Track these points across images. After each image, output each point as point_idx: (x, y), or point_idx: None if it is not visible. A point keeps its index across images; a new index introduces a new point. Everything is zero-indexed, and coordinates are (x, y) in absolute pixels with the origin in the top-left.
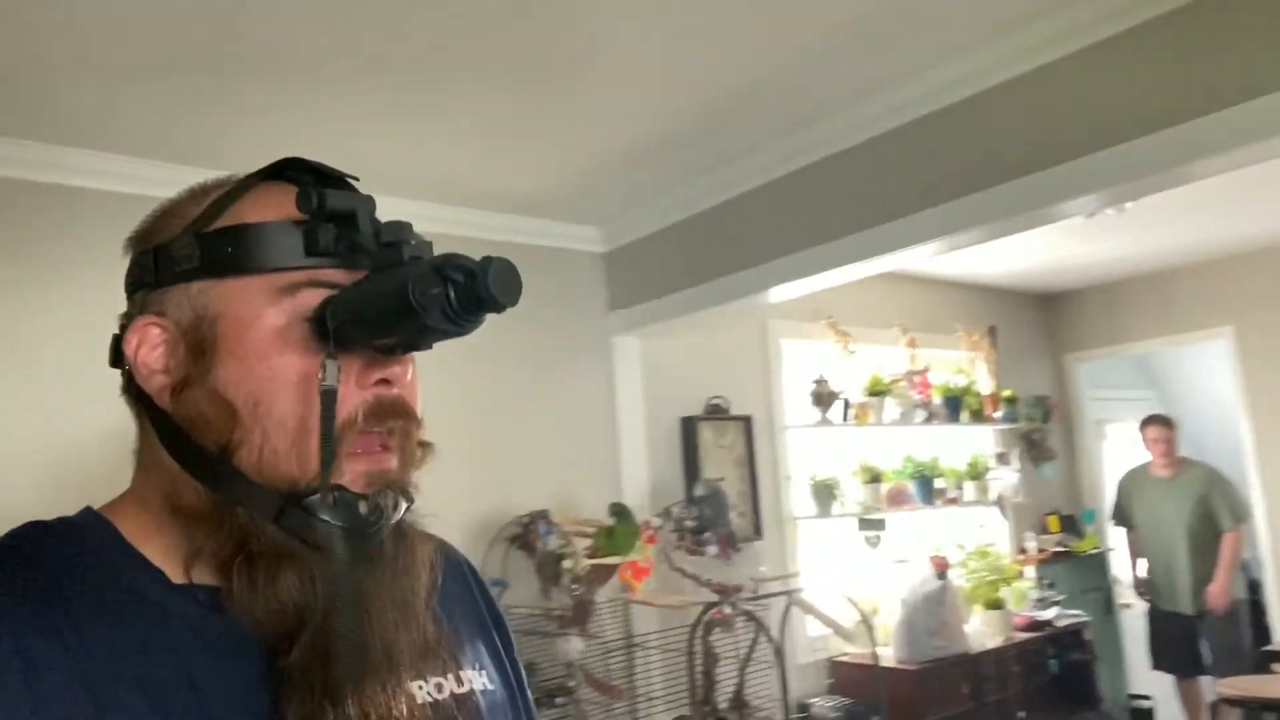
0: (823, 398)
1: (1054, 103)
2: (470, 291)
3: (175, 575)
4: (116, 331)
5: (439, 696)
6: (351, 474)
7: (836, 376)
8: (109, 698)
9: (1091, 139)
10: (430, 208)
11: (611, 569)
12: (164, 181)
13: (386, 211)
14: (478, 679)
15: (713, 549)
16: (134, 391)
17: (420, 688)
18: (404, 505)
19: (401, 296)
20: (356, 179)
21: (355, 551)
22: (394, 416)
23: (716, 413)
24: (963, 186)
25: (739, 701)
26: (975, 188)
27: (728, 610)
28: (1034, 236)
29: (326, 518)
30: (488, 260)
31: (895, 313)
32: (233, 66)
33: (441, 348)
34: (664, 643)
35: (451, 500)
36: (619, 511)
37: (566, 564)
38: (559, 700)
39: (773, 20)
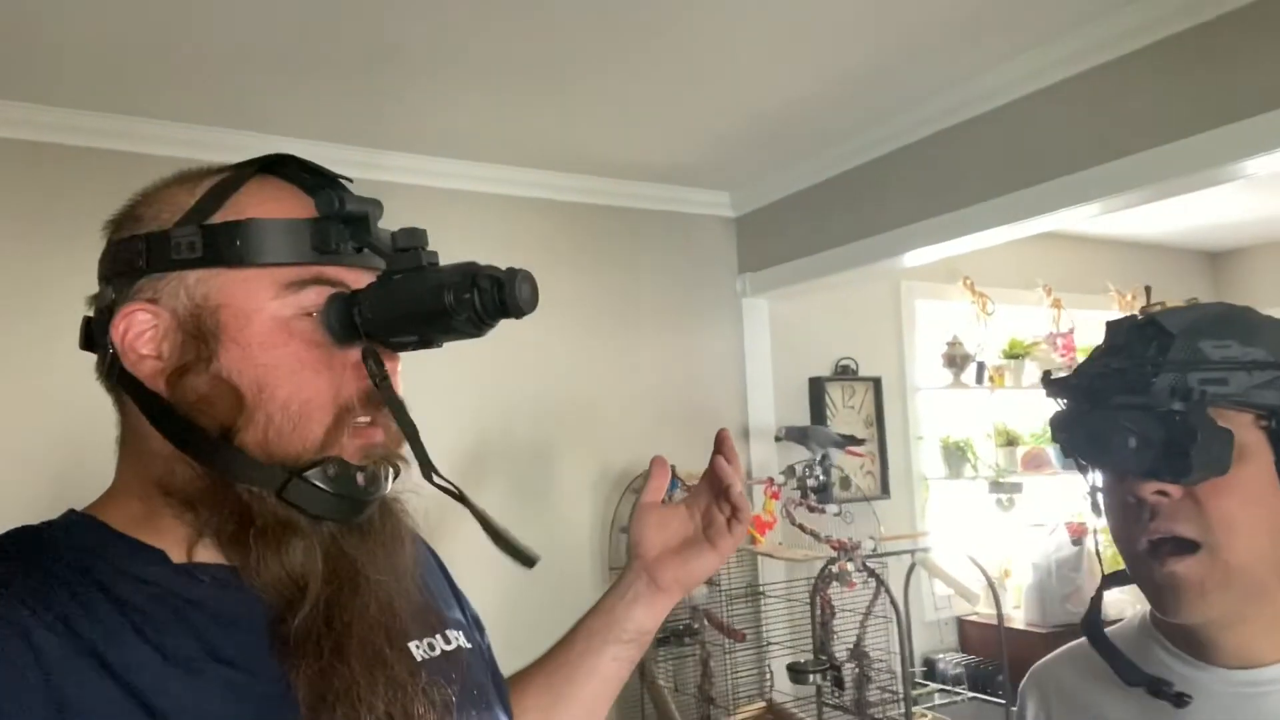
0: (956, 360)
1: (1236, 54)
2: (497, 299)
3: (175, 557)
4: (88, 315)
5: (432, 655)
6: (350, 449)
7: (972, 338)
8: (138, 677)
9: None
10: (569, 178)
11: None
12: (338, 161)
13: (525, 183)
14: (458, 638)
15: (834, 507)
16: (116, 376)
17: (416, 647)
18: (395, 476)
19: (436, 299)
20: (350, 180)
21: (353, 519)
22: (383, 405)
23: (845, 373)
24: (1125, 145)
25: (858, 652)
26: (1140, 146)
27: (848, 566)
28: (1200, 193)
29: (327, 489)
30: (513, 271)
31: (1039, 272)
32: (396, 60)
33: (578, 311)
34: (788, 592)
35: (584, 455)
36: None
37: None
38: (686, 640)
39: None
